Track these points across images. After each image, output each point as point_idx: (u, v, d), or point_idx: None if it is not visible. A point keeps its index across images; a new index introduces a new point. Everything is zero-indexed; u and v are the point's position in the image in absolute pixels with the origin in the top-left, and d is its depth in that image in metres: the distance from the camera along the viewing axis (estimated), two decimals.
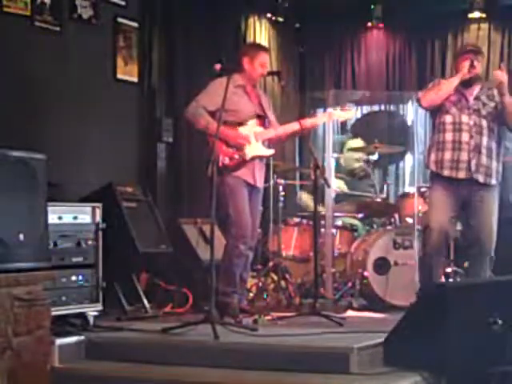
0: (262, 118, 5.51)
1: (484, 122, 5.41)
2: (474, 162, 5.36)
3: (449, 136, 5.42)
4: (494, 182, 5.43)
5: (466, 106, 5.44)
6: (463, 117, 5.41)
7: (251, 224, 5.35)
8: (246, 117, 5.42)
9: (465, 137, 5.37)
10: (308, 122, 5.60)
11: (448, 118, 5.44)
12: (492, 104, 5.45)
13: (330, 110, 5.75)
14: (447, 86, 5.43)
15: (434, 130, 5.58)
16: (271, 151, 5.56)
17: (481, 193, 5.40)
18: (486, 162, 5.38)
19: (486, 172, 5.39)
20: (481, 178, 5.37)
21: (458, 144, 5.38)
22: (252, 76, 5.49)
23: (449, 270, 6.32)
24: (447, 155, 5.41)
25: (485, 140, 5.39)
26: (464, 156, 5.37)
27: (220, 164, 5.19)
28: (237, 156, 5.34)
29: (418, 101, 5.55)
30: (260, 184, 5.50)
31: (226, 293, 5.27)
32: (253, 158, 5.39)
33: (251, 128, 5.43)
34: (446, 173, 5.41)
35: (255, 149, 5.41)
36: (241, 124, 5.40)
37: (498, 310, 4.25)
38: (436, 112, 5.53)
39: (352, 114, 5.85)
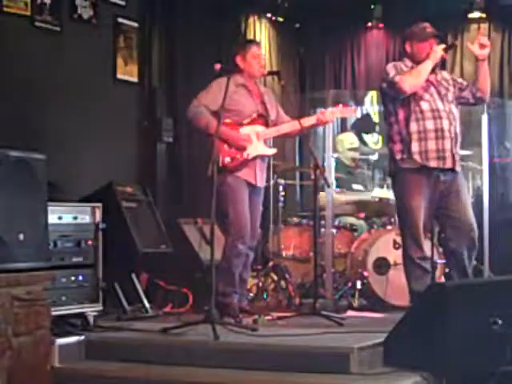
0: (264, 117, 5.49)
1: (453, 108, 5.24)
2: (454, 151, 5.17)
3: (430, 124, 5.15)
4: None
5: (436, 92, 5.23)
6: (439, 104, 5.19)
7: (252, 224, 5.34)
8: (247, 116, 5.42)
9: (445, 124, 5.16)
10: (308, 122, 5.53)
11: (425, 106, 5.17)
12: (452, 89, 5.28)
13: (330, 108, 5.72)
14: (425, 69, 5.13)
15: (409, 118, 5.19)
16: (273, 150, 5.55)
17: (457, 181, 5.22)
18: (458, 149, 5.22)
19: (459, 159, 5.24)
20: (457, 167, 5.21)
21: (441, 132, 5.16)
22: (250, 72, 5.46)
23: (448, 269, 6.31)
24: (432, 145, 5.15)
25: (458, 126, 5.24)
26: (447, 145, 5.15)
27: (220, 164, 5.19)
28: (238, 156, 5.33)
29: (395, 84, 5.11)
30: (261, 184, 5.48)
31: (226, 293, 5.26)
32: (255, 158, 5.39)
33: (253, 127, 5.42)
34: (432, 164, 5.15)
35: (257, 148, 5.40)
36: (243, 123, 5.39)
37: (497, 310, 4.25)
38: (397, 100, 5.21)
39: (351, 111, 5.83)
